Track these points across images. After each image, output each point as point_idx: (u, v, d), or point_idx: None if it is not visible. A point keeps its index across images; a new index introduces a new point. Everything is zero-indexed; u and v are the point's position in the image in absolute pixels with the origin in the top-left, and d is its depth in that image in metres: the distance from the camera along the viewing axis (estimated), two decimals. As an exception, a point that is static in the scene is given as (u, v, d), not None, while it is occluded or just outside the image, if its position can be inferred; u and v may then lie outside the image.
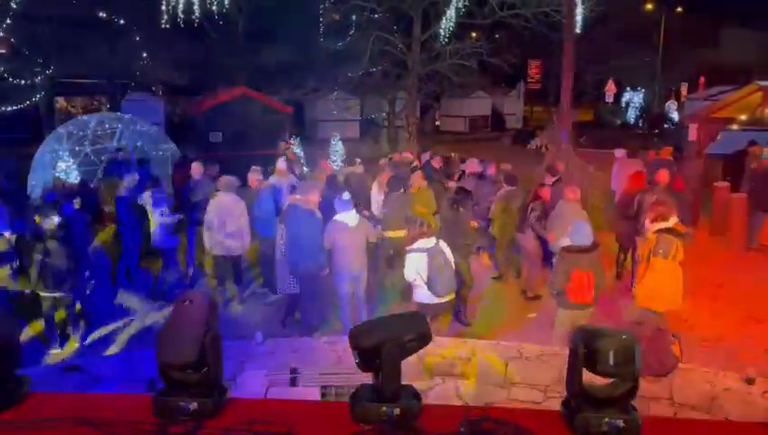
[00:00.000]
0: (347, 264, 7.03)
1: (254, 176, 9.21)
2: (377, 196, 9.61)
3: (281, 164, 10.09)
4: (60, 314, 7.08)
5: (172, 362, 2.10)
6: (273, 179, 9.82)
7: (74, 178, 12.47)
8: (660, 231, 6.32)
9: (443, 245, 6.32)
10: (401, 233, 7.97)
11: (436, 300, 6.19)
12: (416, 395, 2.13)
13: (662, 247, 6.18)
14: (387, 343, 2.04)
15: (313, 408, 2.71)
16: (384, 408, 2.06)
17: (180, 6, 13.86)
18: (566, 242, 6.37)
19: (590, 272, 6.02)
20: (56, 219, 6.97)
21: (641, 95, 32.50)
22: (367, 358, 2.08)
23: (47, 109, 19.80)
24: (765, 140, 15.14)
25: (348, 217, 7.06)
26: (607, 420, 2.01)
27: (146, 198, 8.67)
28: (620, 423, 2.00)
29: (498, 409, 2.37)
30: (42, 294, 6.85)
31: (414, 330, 2.15)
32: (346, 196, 7.25)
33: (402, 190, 8.72)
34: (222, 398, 2.17)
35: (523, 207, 8.84)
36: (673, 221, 6.29)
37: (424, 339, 2.17)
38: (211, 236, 8.09)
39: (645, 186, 9.23)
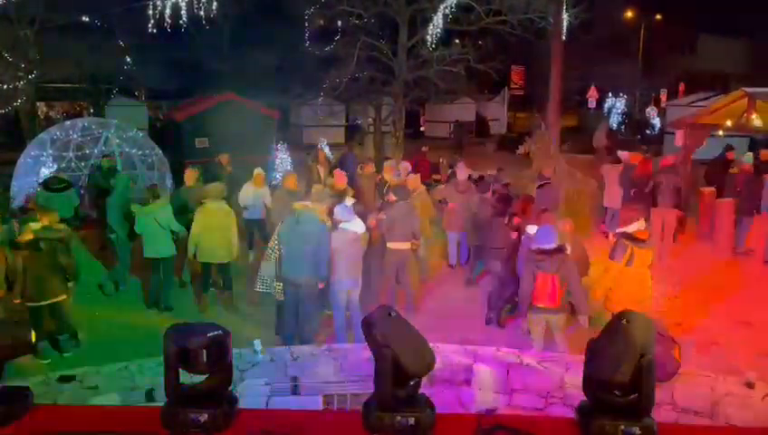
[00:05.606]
0: (350, 271, 6.91)
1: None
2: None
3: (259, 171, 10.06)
4: (48, 324, 6.94)
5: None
6: (249, 187, 9.74)
7: (57, 184, 12.23)
8: (619, 234, 6.35)
9: None
10: (405, 245, 7.93)
11: None
12: (429, 404, 2.09)
13: (616, 251, 6.23)
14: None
15: (324, 416, 2.67)
16: (398, 417, 2.01)
17: (167, 12, 13.69)
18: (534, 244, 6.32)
19: (556, 275, 5.90)
20: (37, 226, 6.84)
21: (623, 101, 32.78)
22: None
23: (29, 114, 19.50)
24: (748, 145, 15.43)
25: (356, 225, 6.93)
26: (622, 427, 1.99)
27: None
28: (636, 430, 1.98)
29: (510, 416, 2.35)
30: (28, 304, 6.71)
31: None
32: (349, 202, 7.13)
33: (406, 200, 8.21)
34: (232, 408, 2.12)
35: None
36: (635, 227, 6.28)
37: None
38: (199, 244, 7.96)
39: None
